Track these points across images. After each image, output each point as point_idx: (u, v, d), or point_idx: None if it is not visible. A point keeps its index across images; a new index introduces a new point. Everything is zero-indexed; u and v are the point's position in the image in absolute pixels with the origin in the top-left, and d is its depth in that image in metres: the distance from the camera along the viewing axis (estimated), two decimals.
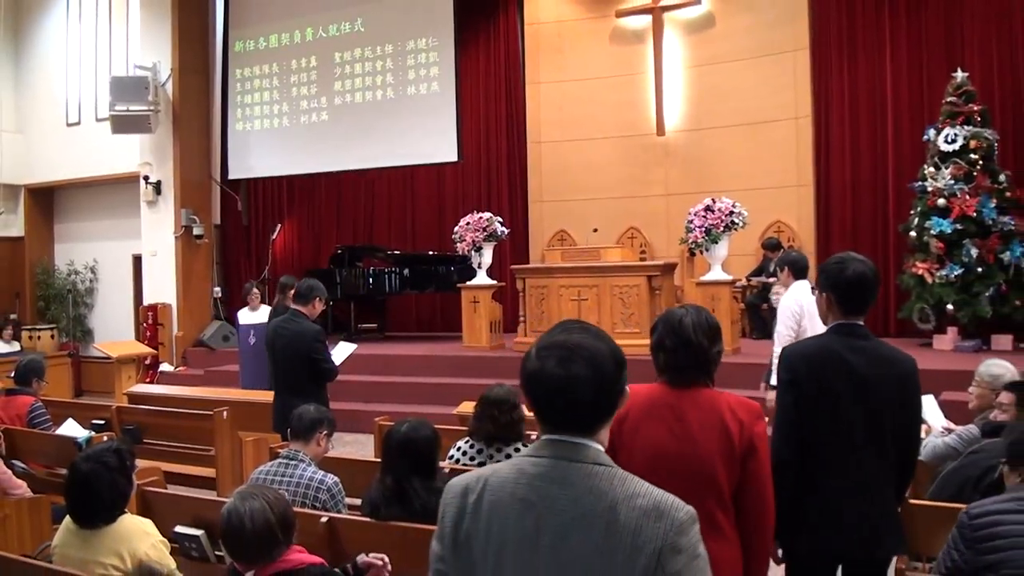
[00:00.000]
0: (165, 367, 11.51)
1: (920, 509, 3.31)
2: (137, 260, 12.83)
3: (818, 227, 10.32)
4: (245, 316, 8.19)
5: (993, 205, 8.38)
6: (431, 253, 11.80)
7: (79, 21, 13.41)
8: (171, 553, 3.01)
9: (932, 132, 8.84)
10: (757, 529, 2.45)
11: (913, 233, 8.76)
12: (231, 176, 12.52)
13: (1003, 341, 8.45)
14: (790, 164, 10.43)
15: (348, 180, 12.77)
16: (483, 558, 1.52)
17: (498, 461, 3.82)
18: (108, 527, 2.87)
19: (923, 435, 4.26)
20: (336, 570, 2.75)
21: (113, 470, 2.89)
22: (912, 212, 8.92)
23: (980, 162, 8.45)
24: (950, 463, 3.70)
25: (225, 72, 12.52)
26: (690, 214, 8.66)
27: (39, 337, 12.32)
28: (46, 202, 14.04)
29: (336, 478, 3.60)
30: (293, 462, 3.59)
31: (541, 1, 11.93)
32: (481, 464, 3.88)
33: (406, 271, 11.01)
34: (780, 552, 2.83)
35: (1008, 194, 8.57)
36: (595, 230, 10.22)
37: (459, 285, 10.05)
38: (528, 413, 3.99)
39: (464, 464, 3.91)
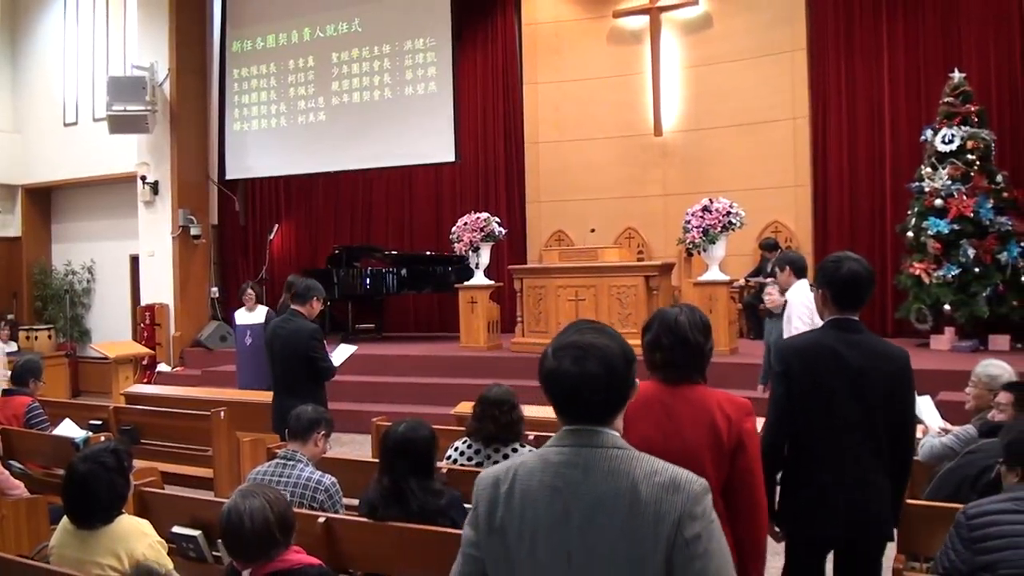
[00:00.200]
0: (162, 367, 11.50)
1: (917, 509, 3.32)
2: (135, 260, 12.82)
3: (815, 227, 10.33)
4: (242, 316, 8.17)
5: (990, 205, 8.40)
6: (429, 253, 11.80)
7: (76, 21, 13.40)
8: (168, 553, 3.01)
9: (929, 132, 8.85)
10: (750, 527, 2.48)
11: (910, 233, 8.77)
12: (229, 176, 12.51)
13: (1000, 341, 8.47)
14: (788, 164, 10.44)
15: (346, 180, 12.76)
16: (518, 542, 1.64)
17: (496, 462, 3.84)
18: (106, 527, 2.86)
19: (920, 435, 4.28)
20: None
21: (111, 470, 2.88)
22: (909, 212, 8.94)
23: (977, 162, 8.47)
24: (947, 463, 3.71)
25: (223, 72, 12.51)
26: (688, 214, 8.67)
27: (36, 337, 12.31)
28: (43, 202, 14.02)
29: (334, 478, 3.60)
30: (291, 462, 3.59)
31: (539, 1, 11.93)
32: (479, 465, 3.87)
33: (404, 271, 11.01)
34: (777, 530, 2.91)
35: (1005, 194, 8.59)
36: (593, 230, 10.22)
37: (457, 285, 10.05)
38: (525, 413, 4.01)
39: (461, 464, 3.91)
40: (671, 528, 1.55)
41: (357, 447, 7.85)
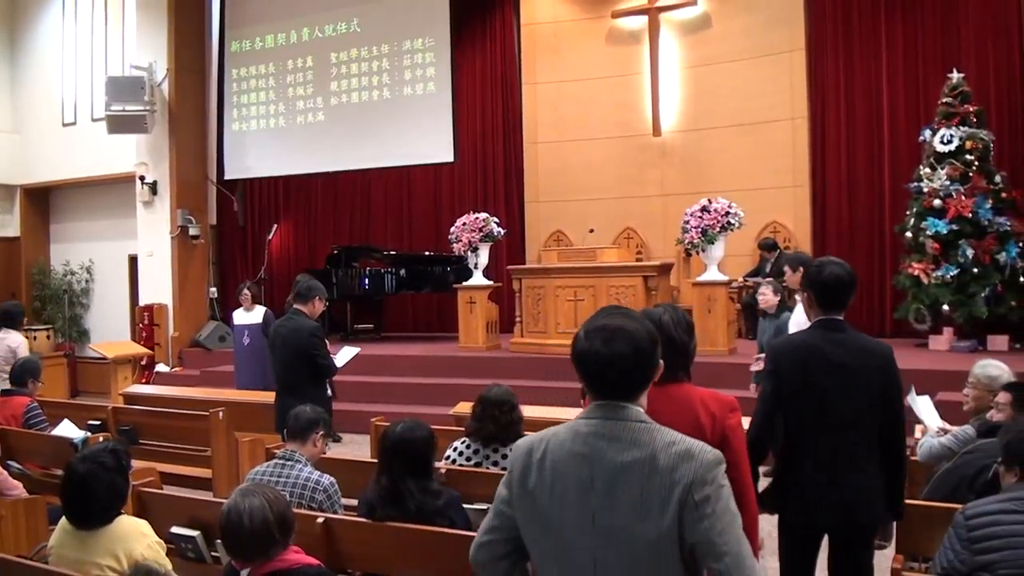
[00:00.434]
0: (161, 367, 11.50)
1: (916, 509, 3.32)
2: (133, 260, 12.82)
3: (814, 228, 10.33)
4: (240, 316, 8.18)
5: (989, 206, 8.41)
6: (427, 253, 11.80)
7: (75, 21, 13.39)
8: (167, 554, 3.01)
9: (928, 133, 8.86)
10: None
11: (909, 234, 8.78)
12: (227, 176, 12.50)
13: (999, 341, 8.47)
14: (786, 165, 10.44)
15: (344, 180, 12.76)
16: (549, 503, 1.82)
17: (495, 462, 3.85)
18: (104, 528, 2.86)
19: (919, 435, 4.28)
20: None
21: (110, 470, 2.88)
22: (908, 213, 8.94)
23: (976, 163, 8.47)
24: (945, 463, 3.71)
25: (221, 72, 12.50)
26: (686, 214, 8.67)
27: (35, 338, 12.27)
28: (42, 202, 14.02)
29: (332, 479, 3.60)
30: (289, 463, 3.58)
31: (537, 2, 11.94)
32: (477, 465, 3.88)
33: (402, 271, 11.02)
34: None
35: (1004, 195, 8.60)
36: (591, 231, 10.23)
37: (455, 285, 10.05)
38: (525, 414, 4.01)
39: (460, 465, 3.91)
40: (683, 491, 1.71)
41: (356, 447, 7.85)
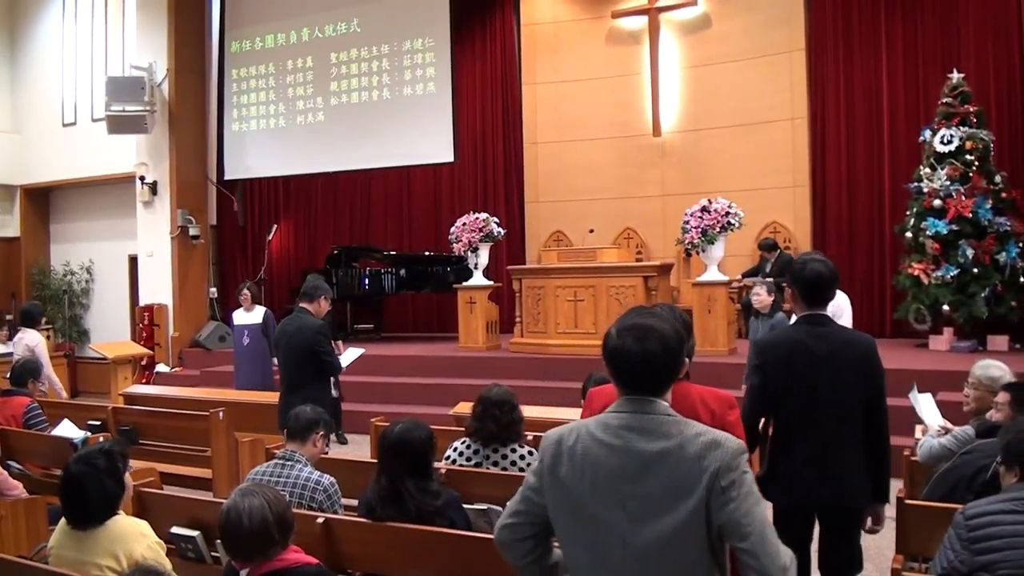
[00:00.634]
0: (161, 368, 11.50)
1: (915, 509, 3.33)
2: (133, 260, 12.82)
3: (814, 228, 10.34)
4: (239, 317, 8.17)
5: (989, 206, 8.41)
6: (427, 254, 11.80)
7: (75, 21, 13.39)
8: (167, 554, 3.01)
9: (928, 133, 8.86)
10: None
11: (909, 234, 8.78)
12: (227, 176, 12.50)
13: (999, 342, 8.48)
14: (786, 165, 10.45)
15: (344, 181, 12.76)
16: (579, 490, 1.93)
17: (494, 462, 3.84)
18: (104, 528, 2.86)
19: (920, 435, 4.28)
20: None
21: (100, 472, 2.88)
22: (908, 213, 8.94)
23: (976, 163, 8.47)
24: (943, 464, 3.71)
25: (221, 72, 12.50)
26: (686, 215, 8.67)
27: None
28: (42, 202, 14.02)
29: (332, 479, 3.60)
30: (289, 463, 3.58)
31: (537, 2, 11.94)
32: (477, 465, 3.88)
33: (402, 272, 11.02)
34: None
35: (1004, 195, 8.60)
36: (591, 231, 10.23)
37: (455, 286, 10.05)
38: (524, 414, 4.01)
39: (460, 465, 3.91)
40: (711, 478, 1.82)
41: (356, 447, 7.86)
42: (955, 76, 8.85)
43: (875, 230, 10.00)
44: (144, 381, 10.49)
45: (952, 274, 8.37)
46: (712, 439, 1.87)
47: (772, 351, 3.33)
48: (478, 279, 9.88)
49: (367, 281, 10.98)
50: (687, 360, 2.03)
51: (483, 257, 9.85)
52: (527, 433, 4.13)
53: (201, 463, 5.72)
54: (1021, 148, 9.24)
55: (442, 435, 4.48)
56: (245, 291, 8.20)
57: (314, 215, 13.28)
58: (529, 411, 4.30)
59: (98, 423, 5.95)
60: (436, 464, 3.49)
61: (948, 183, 8.48)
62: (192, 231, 12.01)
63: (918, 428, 4.57)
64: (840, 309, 5.28)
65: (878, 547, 4.98)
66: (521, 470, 3.83)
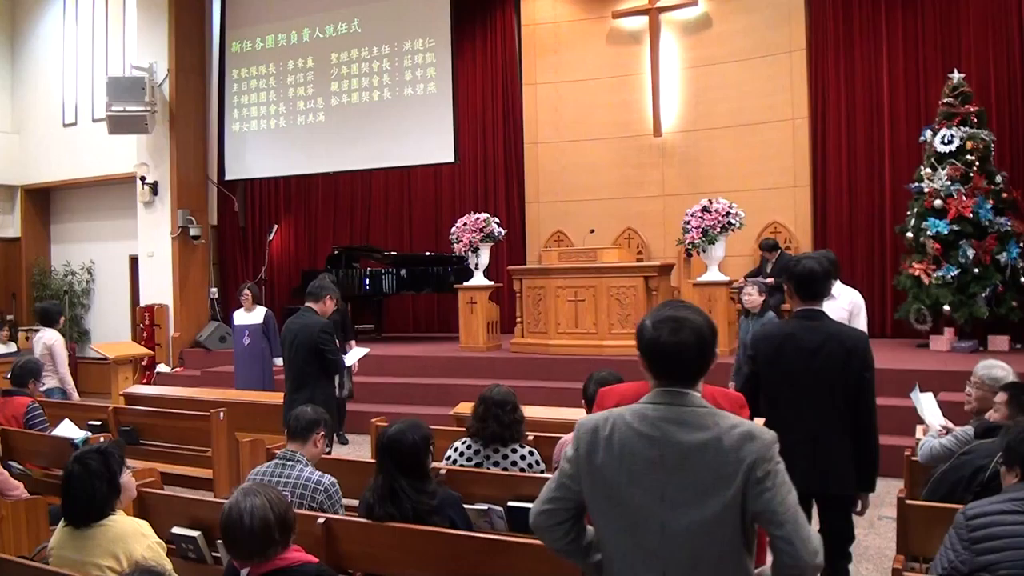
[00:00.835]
0: (162, 368, 11.50)
1: (915, 510, 3.33)
2: (134, 261, 12.83)
3: (815, 228, 10.34)
4: (240, 317, 8.17)
5: (990, 206, 8.41)
6: (428, 254, 11.80)
7: (76, 21, 13.40)
8: (167, 554, 3.01)
9: (928, 133, 8.86)
10: None
11: (910, 234, 8.78)
12: (228, 177, 12.50)
13: (999, 342, 8.48)
14: (787, 165, 10.45)
15: (345, 181, 12.76)
16: (617, 478, 1.99)
17: (495, 462, 3.85)
18: (104, 528, 2.86)
19: (921, 435, 4.28)
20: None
21: (92, 473, 2.88)
22: (909, 213, 8.94)
23: (977, 163, 8.47)
24: (942, 465, 3.70)
25: (222, 73, 12.51)
26: (687, 215, 8.67)
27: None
28: (42, 203, 14.03)
29: (333, 479, 3.60)
30: (290, 463, 3.58)
31: (538, 2, 11.94)
32: (478, 465, 3.88)
33: (403, 272, 11.01)
34: None
35: (1004, 195, 8.60)
36: (592, 231, 10.23)
37: (456, 286, 10.05)
38: (525, 414, 4.01)
39: (461, 465, 3.91)
40: (747, 469, 1.90)
41: (357, 447, 7.86)
42: (956, 76, 8.85)
43: (876, 230, 10.00)
44: (145, 381, 10.50)
45: (953, 274, 8.37)
46: (747, 430, 1.95)
47: (764, 342, 3.53)
48: (479, 279, 9.88)
49: (368, 281, 10.98)
50: (717, 352, 2.06)
51: (484, 257, 9.85)
52: (528, 433, 4.14)
53: (202, 463, 5.72)
54: (1022, 148, 9.24)
55: (443, 435, 4.49)
56: (246, 291, 8.20)
57: (314, 215, 13.28)
58: (530, 411, 4.30)
59: (99, 423, 5.95)
60: (436, 464, 3.49)
61: (949, 183, 8.47)
62: (193, 231, 12.02)
63: (919, 428, 4.57)
64: (856, 307, 5.26)
65: (878, 547, 4.98)
66: (522, 470, 3.84)
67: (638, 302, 8.63)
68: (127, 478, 3.06)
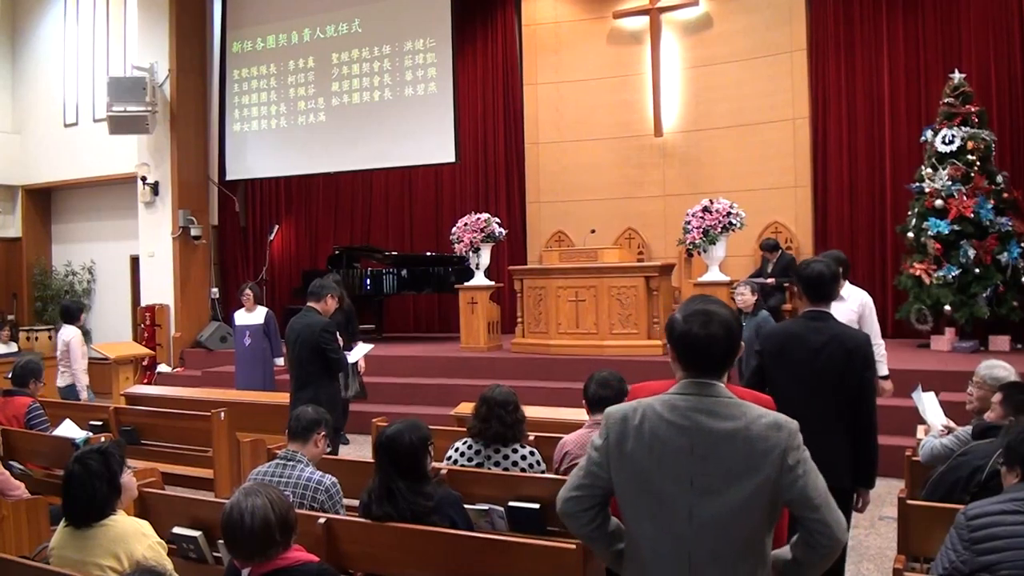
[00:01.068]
0: (163, 368, 11.51)
1: (916, 510, 3.33)
2: (135, 261, 12.83)
3: (816, 228, 10.34)
4: (241, 317, 8.18)
5: (990, 206, 8.40)
6: (429, 254, 11.80)
7: (76, 21, 13.41)
8: (168, 554, 3.01)
9: (929, 133, 8.86)
10: None
11: (911, 234, 8.78)
12: (229, 177, 12.51)
13: (1000, 342, 8.48)
14: (788, 165, 10.44)
15: (346, 181, 12.77)
16: (647, 466, 2.06)
17: (496, 462, 3.84)
18: (105, 528, 2.87)
19: (922, 435, 4.27)
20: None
21: (93, 473, 2.88)
22: (909, 213, 8.94)
23: (977, 163, 8.47)
24: (940, 466, 3.70)
25: (223, 73, 12.51)
26: (688, 215, 8.68)
27: (36, 338, 12.29)
28: (43, 203, 14.04)
29: (334, 479, 3.60)
30: (291, 463, 3.58)
31: (538, 2, 11.94)
32: (479, 465, 3.87)
33: (404, 272, 11.02)
34: None
35: (1005, 195, 8.60)
36: (593, 231, 10.23)
37: (457, 286, 10.05)
38: (526, 414, 4.00)
39: (461, 465, 3.91)
40: (778, 457, 1.98)
41: (358, 447, 7.86)
42: (956, 76, 8.85)
43: (876, 230, 10.00)
44: (145, 381, 10.50)
45: (953, 274, 8.37)
46: (773, 420, 2.02)
47: (771, 340, 3.66)
48: (479, 279, 9.88)
49: (368, 281, 10.98)
50: (742, 344, 2.15)
51: (484, 257, 9.84)
52: (528, 433, 4.14)
53: (202, 463, 5.72)
54: (1022, 148, 9.23)
55: (444, 435, 4.49)
56: (248, 291, 8.20)
57: (315, 215, 13.28)
58: (530, 411, 4.30)
59: (100, 423, 5.96)
60: (437, 464, 3.48)
61: (949, 183, 8.47)
62: (193, 231, 12.03)
63: (920, 428, 4.57)
64: (866, 308, 5.24)
65: (879, 547, 4.98)
66: (523, 470, 3.84)
67: (639, 302, 8.63)
68: (128, 478, 3.06)
